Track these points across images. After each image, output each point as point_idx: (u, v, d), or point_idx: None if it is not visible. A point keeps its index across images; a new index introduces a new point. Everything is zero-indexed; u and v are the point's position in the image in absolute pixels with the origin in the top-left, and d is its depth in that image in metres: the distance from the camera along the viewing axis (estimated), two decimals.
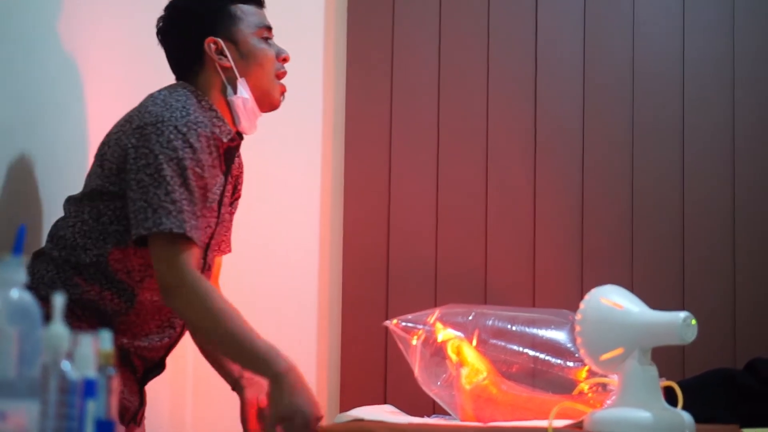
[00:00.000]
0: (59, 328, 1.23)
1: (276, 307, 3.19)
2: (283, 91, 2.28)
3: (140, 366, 2.21)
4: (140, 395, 2.24)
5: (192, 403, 3.18)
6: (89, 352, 1.27)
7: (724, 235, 3.23)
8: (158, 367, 2.27)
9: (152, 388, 2.41)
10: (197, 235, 2.04)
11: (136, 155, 2.04)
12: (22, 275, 1.23)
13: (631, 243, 3.25)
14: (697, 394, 2.18)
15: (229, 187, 2.29)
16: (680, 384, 1.99)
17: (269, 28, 2.27)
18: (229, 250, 2.39)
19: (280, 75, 2.27)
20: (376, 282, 3.28)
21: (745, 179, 3.23)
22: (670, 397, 1.97)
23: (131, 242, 2.07)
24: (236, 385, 2.33)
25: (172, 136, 2.04)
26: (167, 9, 2.27)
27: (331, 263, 3.29)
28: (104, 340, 1.31)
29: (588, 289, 2.01)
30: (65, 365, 1.23)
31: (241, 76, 2.21)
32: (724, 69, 3.28)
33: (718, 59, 3.28)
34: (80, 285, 2.10)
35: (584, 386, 2.20)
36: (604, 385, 2.16)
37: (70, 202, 2.17)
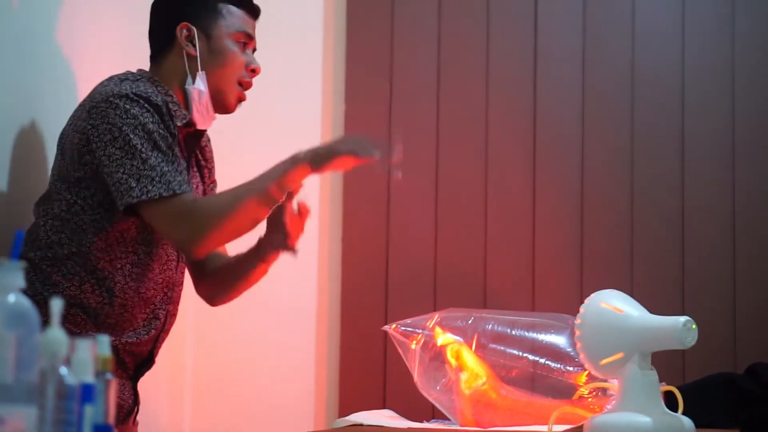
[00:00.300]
0: (57, 333, 1.23)
1: (275, 312, 3.19)
2: (241, 99, 2.29)
3: (131, 363, 2.21)
4: (134, 394, 2.24)
5: (190, 407, 3.17)
6: (87, 357, 1.27)
7: (724, 240, 3.22)
8: (148, 361, 2.27)
9: (150, 391, 2.41)
10: (187, 188, 2.09)
11: (98, 133, 2.07)
12: (20, 280, 1.23)
13: (630, 247, 3.24)
14: (697, 398, 2.18)
15: (205, 172, 2.33)
16: (680, 389, 1.99)
17: (250, 37, 2.29)
18: None
19: (245, 83, 2.28)
20: (375, 286, 3.27)
21: (745, 185, 3.23)
22: (670, 401, 1.96)
23: (121, 214, 2.09)
24: (261, 250, 2.30)
25: (128, 106, 2.07)
26: None
27: (330, 267, 3.29)
28: (102, 345, 1.30)
29: (588, 294, 2.00)
30: (63, 370, 1.23)
31: (202, 69, 2.22)
32: (723, 75, 3.27)
33: (718, 65, 3.28)
34: (60, 282, 2.10)
35: (584, 391, 2.19)
36: (604, 390, 2.16)
37: (39, 204, 2.18)
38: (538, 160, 3.29)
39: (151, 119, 2.08)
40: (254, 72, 2.28)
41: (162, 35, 2.26)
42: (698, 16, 3.29)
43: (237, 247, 2.30)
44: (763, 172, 3.23)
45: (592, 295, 1.98)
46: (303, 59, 3.27)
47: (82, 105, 2.14)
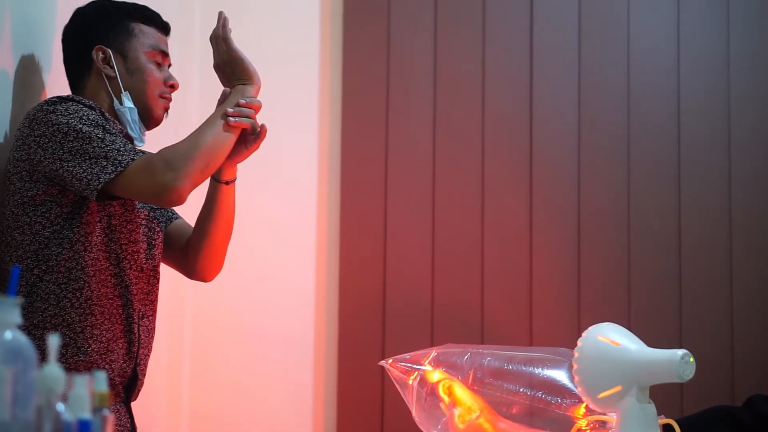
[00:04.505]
0: (54, 369, 1.22)
1: (273, 347, 3.18)
2: (166, 108, 2.31)
3: (119, 383, 2.19)
4: (130, 417, 2.22)
5: (188, 425, 3.16)
6: (84, 394, 1.26)
7: (721, 273, 3.22)
8: (134, 380, 2.25)
9: (147, 425, 2.39)
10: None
11: (48, 139, 2.07)
12: (16, 316, 1.23)
13: (628, 280, 3.24)
14: (695, 431, 2.17)
15: None
16: (679, 422, 1.98)
17: (165, 54, 2.31)
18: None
19: (166, 98, 2.30)
20: (372, 321, 3.27)
21: (742, 217, 3.24)
22: None
23: (80, 218, 2.09)
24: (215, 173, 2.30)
25: (66, 105, 2.09)
26: (72, 15, 2.32)
27: (328, 303, 3.28)
28: (99, 381, 1.30)
29: (585, 327, 2.00)
30: (60, 407, 1.22)
31: (125, 90, 2.24)
32: (720, 110, 3.29)
33: (714, 100, 3.29)
34: (38, 309, 2.09)
35: (582, 424, 2.18)
36: (602, 423, 2.15)
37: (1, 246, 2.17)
38: (535, 193, 3.29)
39: (90, 113, 2.09)
40: (173, 87, 2.31)
41: (79, 61, 2.27)
42: (694, 50, 3.31)
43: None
44: (759, 204, 3.24)
45: (590, 328, 1.98)
46: (300, 65, 3.28)
47: (19, 130, 2.14)
